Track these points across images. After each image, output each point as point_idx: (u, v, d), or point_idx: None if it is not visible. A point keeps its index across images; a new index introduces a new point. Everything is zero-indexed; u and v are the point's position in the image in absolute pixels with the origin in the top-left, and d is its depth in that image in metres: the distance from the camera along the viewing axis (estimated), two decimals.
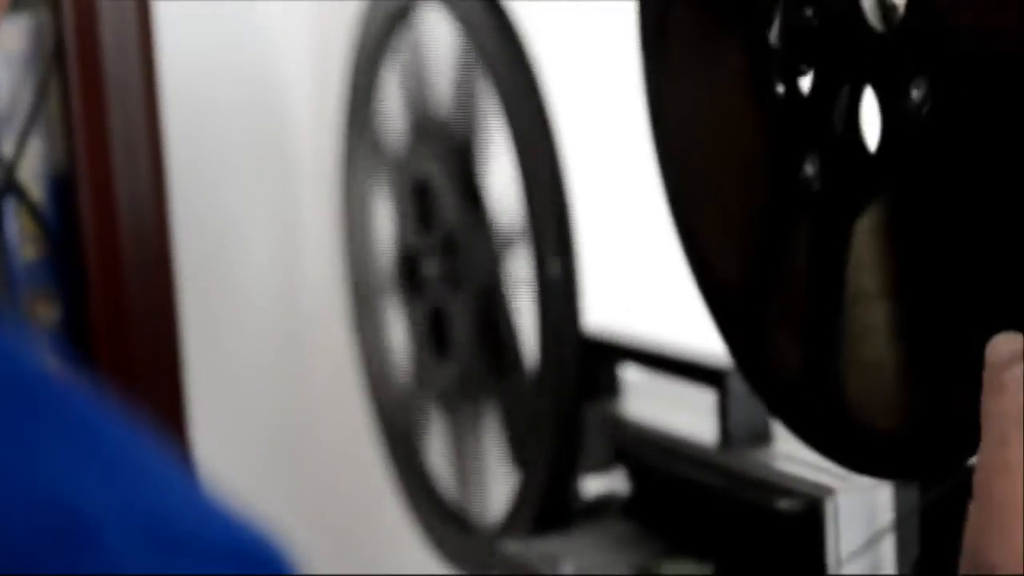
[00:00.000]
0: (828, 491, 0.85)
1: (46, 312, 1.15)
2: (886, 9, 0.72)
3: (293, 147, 1.51)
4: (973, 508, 0.60)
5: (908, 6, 0.70)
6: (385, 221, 1.31)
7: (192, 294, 1.33)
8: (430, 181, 1.16)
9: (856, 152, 0.75)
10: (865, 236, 0.74)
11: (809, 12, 0.76)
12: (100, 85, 1.10)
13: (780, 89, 0.78)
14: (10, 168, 1.11)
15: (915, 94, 0.70)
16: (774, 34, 0.77)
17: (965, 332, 0.67)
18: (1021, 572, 0.57)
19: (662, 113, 0.89)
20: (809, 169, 0.76)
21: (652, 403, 1.07)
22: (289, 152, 1.51)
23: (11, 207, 1.12)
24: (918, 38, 0.69)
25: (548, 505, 1.08)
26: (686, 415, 1.02)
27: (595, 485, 1.01)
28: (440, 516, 1.27)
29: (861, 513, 0.85)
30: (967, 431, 0.65)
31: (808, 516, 0.85)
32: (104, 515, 0.39)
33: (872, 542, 0.83)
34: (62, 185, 1.14)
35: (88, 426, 0.42)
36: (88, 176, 1.10)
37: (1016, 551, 0.57)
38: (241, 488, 1.45)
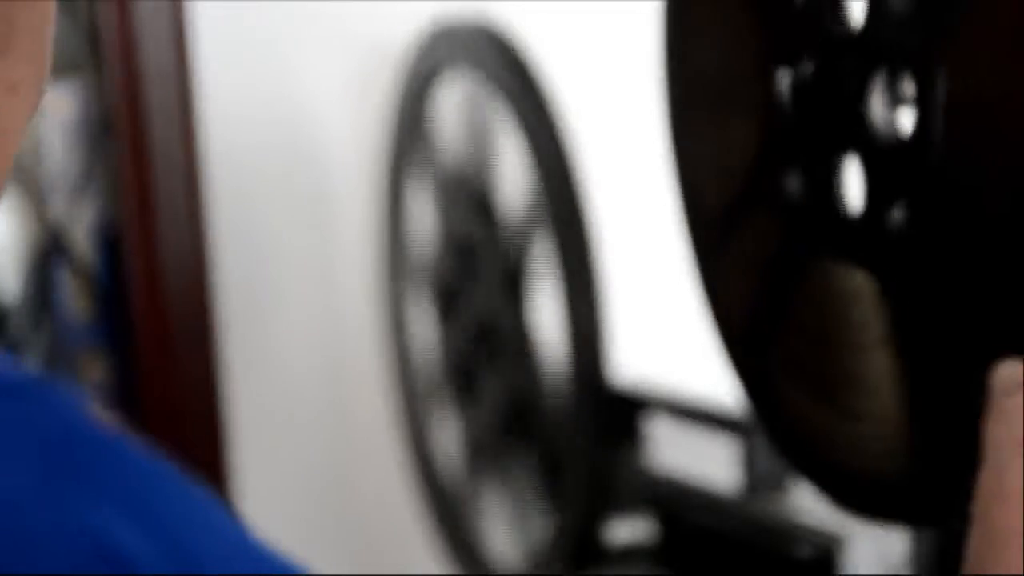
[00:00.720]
0: (843, 537, 0.87)
1: (95, 369, 1.20)
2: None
3: (333, 207, 1.53)
4: (972, 535, 0.60)
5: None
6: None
7: (236, 350, 1.36)
8: (477, 245, 1.21)
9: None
10: (863, 289, 0.76)
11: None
12: (145, 148, 1.15)
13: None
14: (61, 230, 1.16)
15: None
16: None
17: (964, 376, 0.68)
18: None
19: (686, 163, 0.92)
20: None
21: (679, 452, 1.10)
22: (329, 211, 1.54)
23: (62, 268, 1.17)
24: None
25: (580, 553, 1.11)
26: (711, 464, 1.05)
27: (623, 532, 1.04)
28: (476, 565, 1.30)
29: (876, 558, 0.87)
30: (971, 474, 0.66)
31: (823, 562, 0.88)
32: (141, 555, 0.41)
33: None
34: (111, 246, 1.19)
35: (132, 473, 0.45)
36: (134, 236, 1.15)
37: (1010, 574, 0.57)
38: (283, 537, 1.48)
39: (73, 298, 1.19)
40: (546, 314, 1.14)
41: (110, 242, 1.19)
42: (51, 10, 0.56)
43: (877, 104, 0.74)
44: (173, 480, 0.46)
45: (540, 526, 1.18)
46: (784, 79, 0.79)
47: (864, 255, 0.77)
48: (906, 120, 0.72)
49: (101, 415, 0.48)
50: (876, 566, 0.87)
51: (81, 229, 1.18)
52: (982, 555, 0.59)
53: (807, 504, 0.93)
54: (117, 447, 0.46)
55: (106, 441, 0.46)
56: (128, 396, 1.21)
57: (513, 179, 1.15)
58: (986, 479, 0.60)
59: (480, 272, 1.20)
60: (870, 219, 0.75)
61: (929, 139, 0.71)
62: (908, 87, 0.72)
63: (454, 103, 1.25)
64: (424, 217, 1.32)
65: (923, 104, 0.71)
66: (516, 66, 1.13)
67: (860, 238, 0.76)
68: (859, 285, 0.77)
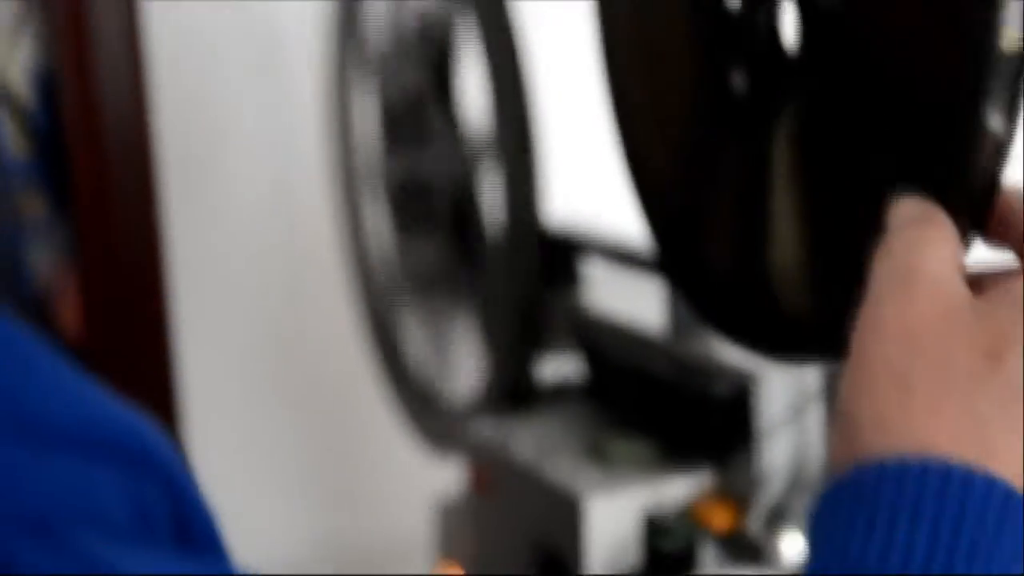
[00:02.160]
0: (759, 375, 0.91)
1: (34, 207, 1.21)
2: None
3: (284, 47, 1.52)
4: (847, 367, 0.60)
5: None
6: (372, 123, 1.35)
7: (178, 184, 1.37)
8: (412, 86, 1.22)
9: (777, 58, 0.79)
10: (784, 143, 0.78)
11: None
12: None
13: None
14: None
15: None
16: None
17: (865, 214, 0.69)
18: (882, 431, 0.57)
19: (610, 27, 0.93)
20: (736, 79, 0.80)
21: (610, 294, 1.13)
22: (281, 52, 1.53)
23: (2, 111, 1.18)
24: None
25: (511, 388, 1.14)
26: (640, 306, 1.07)
27: (553, 369, 1.06)
28: (414, 399, 1.33)
29: (790, 393, 0.91)
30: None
31: (739, 398, 0.91)
32: None
33: (795, 413, 0.89)
34: (48, 86, 1.19)
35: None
36: (71, 75, 1.15)
37: (880, 409, 0.58)
38: (228, 373, 1.52)
39: (11, 138, 1.20)
40: (488, 162, 1.15)
41: (48, 82, 1.20)
42: None
43: None
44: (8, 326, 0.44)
45: (481, 366, 1.21)
46: None
47: (772, 90, 0.78)
48: None
49: None
50: (790, 400, 0.90)
51: (17, 70, 1.18)
52: (853, 385, 0.60)
53: (727, 344, 0.96)
54: None
55: None
56: (69, 233, 1.22)
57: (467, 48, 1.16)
58: (864, 311, 0.61)
59: (424, 131, 1.22)
60: (778, 50, 0.77)
61: None
62: None
63: None
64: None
65: None
66: None
67: (768, 69, 0.78)
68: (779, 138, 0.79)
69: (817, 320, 0.79)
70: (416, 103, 1.23)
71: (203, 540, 0.45)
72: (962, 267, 0.64)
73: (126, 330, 1.24)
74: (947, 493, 0.56)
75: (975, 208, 0.66)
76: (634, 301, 1.09)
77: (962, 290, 0.62)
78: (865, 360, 0.59)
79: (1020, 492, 0.56)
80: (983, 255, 0.67)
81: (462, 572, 1.13)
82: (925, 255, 0.62)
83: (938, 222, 0.64)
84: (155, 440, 0.44)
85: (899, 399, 0.58)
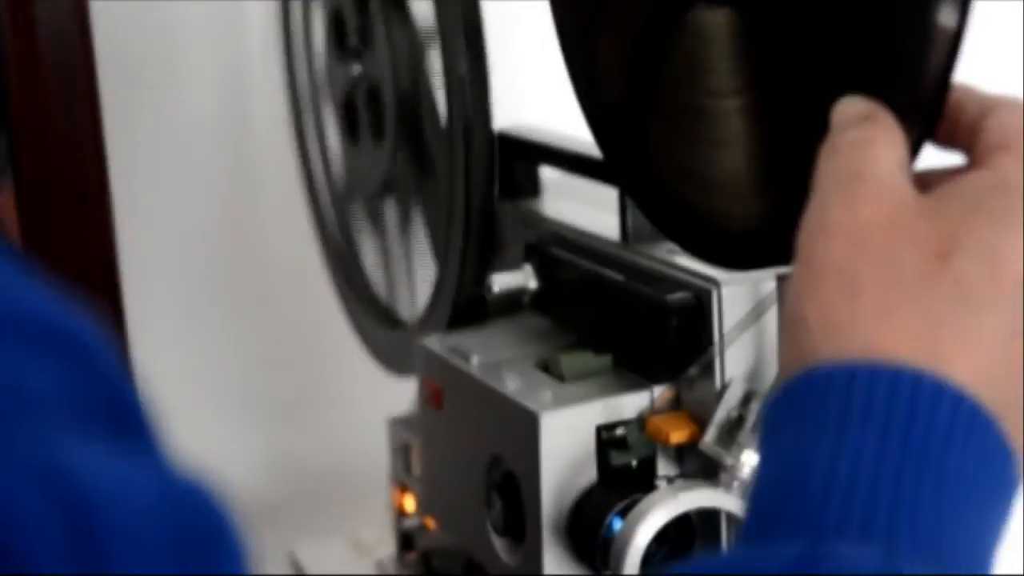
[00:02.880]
0: (717, 280, 0.89)
1: None
2: None
3: None
4: (793, 270, 0.61)
5: None
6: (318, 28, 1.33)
7: (120, 90, 1.35)
8: None
9: None
10: (721, 35, 0.77)
11: None
12: None
13: None
14: None
15: None
16: None
17: (814, 119, 0.68)
18: (831, 335, 0.58)
19: None
20: None
21: (566, 202, 1.11)
22: None
23: None
24: None
25: (463, 300, 1.12)
26: (597, 213, 1.06)
27: (505, 280, 1.05)
28: (369, 313, 1.32)
29: (746, 302, 0.89)
30: None
31: (697, 304, 0.90)
32: None
33: (752, 319, 0.88)
34: None
35: None
36: None
37: (828, 312, 0.58)
38: (174, 284, 1.51)
39: None
40: (437, 71, 1.13)
41: None
42: None
43: None
44: None
45: (433, 278, 1.19)
46: None
47: None
48: None
49: None
50: (747, 307, 0.89)
51: None
52: (800, 289, 0.60)
53: (683, 253, 0.94)
54: None
55: None
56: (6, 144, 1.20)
57: None
58: (809, 213, 0.61)
59: (375, 37, 1.19)
60: None
61: None
62: None
63: None
64: None
65: None
66: None
67: None
68: (721, 25, 0.78)
69: (768, 226, 0.78)
70: (360, 4, 1.20)
71: (140, 430, 0.44)
72: (909, 166, 0.64)
73: (67, 240, 1.22)
74: (897, 397, 0.56)
75: (926, 109, 0.66)
76: (589, 210, 1.07)
77: (909, 189, 0.61)
78: (811, 263, 0.59)
79: (971, 395, 0.56)
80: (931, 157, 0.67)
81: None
82: (870, 155, 0.62)
83: (883, 121, 0.64)
84: (90, 330, 0.43)
85: (847, 302, 0.58)
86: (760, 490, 0.58)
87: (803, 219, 0.61)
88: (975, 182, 0.60)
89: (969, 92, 0.65)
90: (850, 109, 0.64)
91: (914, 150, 0.65)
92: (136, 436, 0.44)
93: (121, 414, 0.43)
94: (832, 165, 0.62)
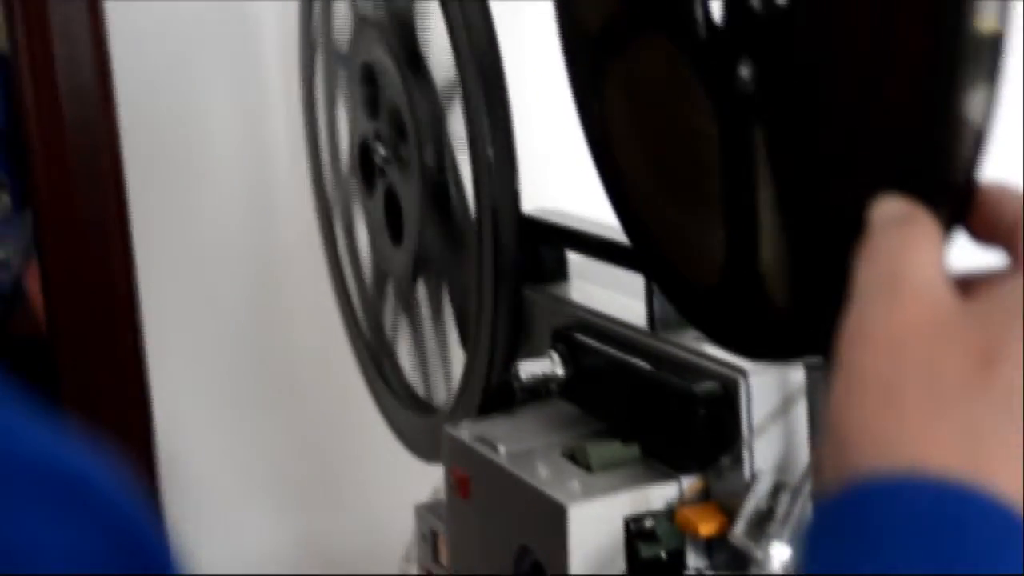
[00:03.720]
0: (745, 370, 0.89)
1: None
2: None
3: (253, 31, 1.52)
4: (833, 377, 0.59)
5: None
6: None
7: (143, 174, 1.36)
8: (375, 65, 1.20)
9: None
10: (763, 139, 0.77)
11: None
12: None
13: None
14: None
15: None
16: None
17: (845, 215, 0.68)
18: (873, 446, 0.56)
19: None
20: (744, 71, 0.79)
21: (594, 286, 1.11)
22: (254, 51, 1.53)
23: None
24: None
25: (491, 388, 1.12)
26: (625, 298, 1.06)
27: (532, 368, 1.05)
28: (398, 400, 1.32)
29: (775, 392, 0.89)
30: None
31: (725, 394, 0.89)
32: None
33: (782, 412, 0.88)
34: (5, 74, 1.18)
35: None
36: (29, 63, 1.14)
37: (869, 422, 0.57)
38: (201, 369, 1.51)
39: None
40: (463, 155, 1.14)
41: (4, 69, 1.18)
42: None
43: None
44: None
45: (459, 364, 1.20)
46: None
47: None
48: None
49: None
50: (776, 397, 0.89)
51: None
52: (840, 398, 0.58)
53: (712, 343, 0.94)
54: None
55: None
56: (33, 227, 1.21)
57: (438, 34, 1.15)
58: (849, 320, 0.60)
59: (384, 89, 1.20)
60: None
61: None
62: None
63: None
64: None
65: None
66: None
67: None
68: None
69: (801, 320, 0.78)
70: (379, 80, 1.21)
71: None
72: (949, 269, 0.63)
73: (92, 324, 1.23)
74: (942, 513, 0.54)
75: (955, 201, 0.65)
76: (616, 296, 1.07)
77: (950, 294, 0.60)
78: (851, 371, 0.58)
79: (1020, 509, 0.54)
80: (973, 257, 0.66)
81: None
82: (909, 258, 0.60)
83: (922, 222, 0.63)
84: (104, 479, 0.42)
85: (888, 411, 0.56)
86: None
87: (842, 325, 0.60)
88: (1017, 286, 0.60)
89: (1007, 190, 0.64)
90: (888, 209, 0.63)
91: (946, 243, 0.64)
92: None
93: (133, 559, 0.43)
94: (871, 270, 0.61)
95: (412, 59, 1.16)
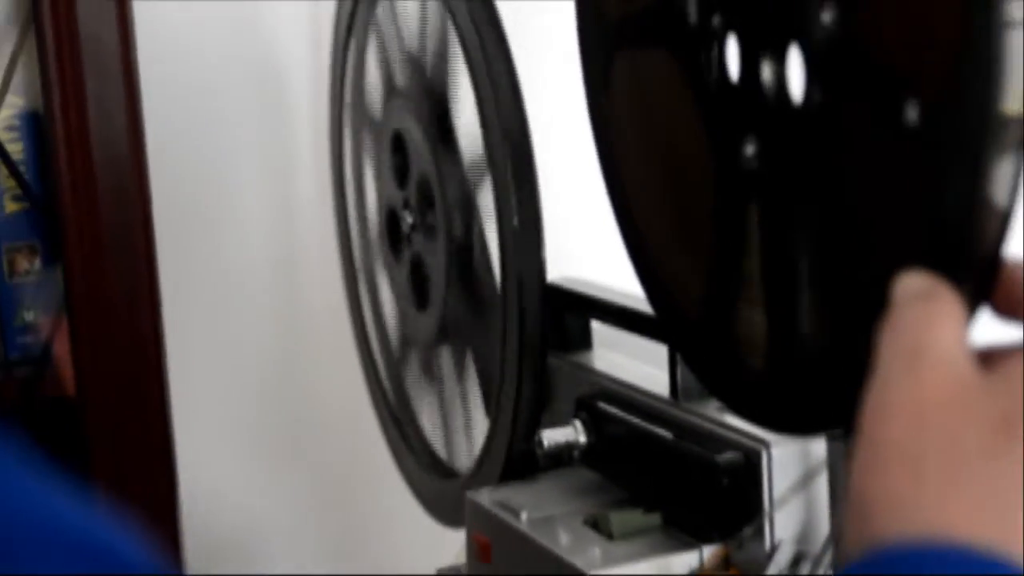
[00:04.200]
0: (768, 441, 0.90)
1: (25, 262, 1.22)
2: None
3: (288, 112, 1.54)
4: (857, 450, 0.60)
5: None
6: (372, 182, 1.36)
7: (173, 235, 1.37)
8: (404, 134, 1.22)
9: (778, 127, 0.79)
10: (792, 215, 0.78)
11: None
12: (73, 35, 1.15)
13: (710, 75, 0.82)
14: None
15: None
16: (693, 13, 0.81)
17: (869, 289, 0.69)
18: (896, 513, 0.57)
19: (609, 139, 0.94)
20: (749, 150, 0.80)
21: (617, 355, 1.12)
22: (284, 117, 1.54)
23: None
24: None
25: (514, 455, 1.13)
26: (648, 368, 1.07)
27: (555, 436, 1.06)
28: (421, 465, 1.33)
29: (796, 463, 0.89)
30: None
31: (747, 464, 0.90)
32: None
33: (804, 483, 0.88)
34: (39, 139, 1.20)
35: None
36: (62, 120, 1.15)
37: (893, 490, 0.57)
38: (226, 426, 1.51)
39: (3, 193, 1.20)
40: (490, 223, 1.16)
41: (37, 132, 1.20)
42: None
43: None
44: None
45: (482, 429, 1.20)
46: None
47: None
48: None
49: None
50: (798, 468, 0.89)
51: (7, 123, 1.19)
52: (864, 469, 0.59)
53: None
54: None
55: None
56: (64, 292, 1.23)
57: (468, 106, 1.16)
58: (872, 393, 0.61)
59: (413, 159, 1.22)
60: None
61: None
62: None
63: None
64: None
65: None
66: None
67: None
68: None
69: (824, 396, 0.78)
70: (408, 148, 1.23)
71: None
72: (971, 344, 0.63)
73: (120, 385, 1.24)
74: None
75: (979, 280, 0.66)
76: (639, 365, 1.08)
77: (970, 367, 0.61)
78: (874, 442, 0.59)
79: None
80: (994, 331, 0.67)
81: None
82: (932, 333, 0.61)
83: (944, 298, 0.64)
84: (136, 552, 0.43)
85: (912, 480, 0.57)
86: None
87: (866, 397, 0.61)
88: None
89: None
90: (911, 285, 0.64)
91: (969, 321, 0.65)
92: None
93: None
94: (893, 344, 0.62)
95: (442, 131, 1.17)
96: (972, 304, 0.66)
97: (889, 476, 0.58)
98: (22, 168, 1.21)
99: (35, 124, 1.20)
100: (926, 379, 0.59)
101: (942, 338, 0.61)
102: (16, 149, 1.20)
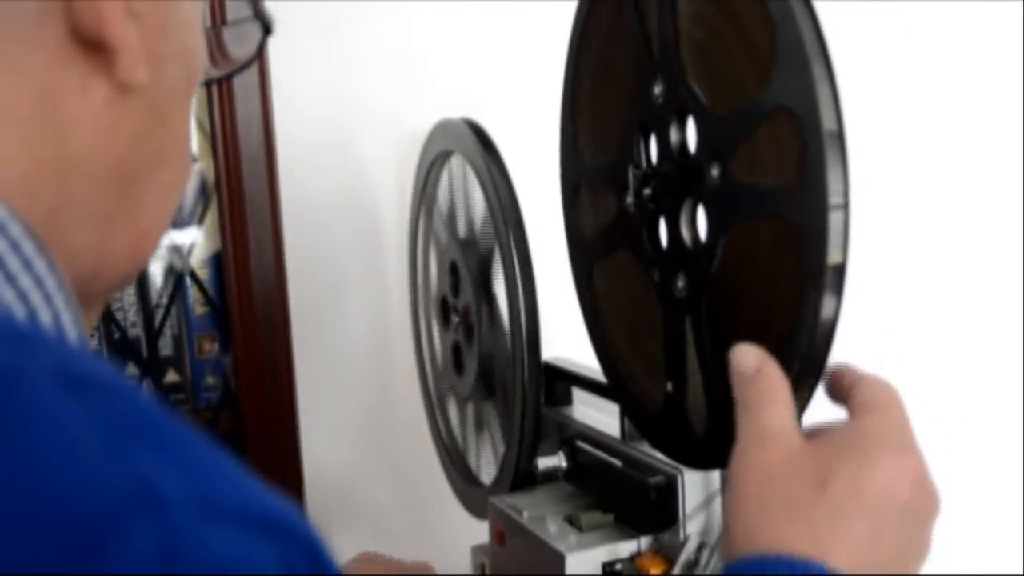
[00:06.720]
0: (680, 471, 0.90)
1: (209, 346, 1.23)
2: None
3: (383, 237, 1.54)
4: (727, 497, 0.62)
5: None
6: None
7: (306, 344, 1.36)
8: (458, 264, 1.23)
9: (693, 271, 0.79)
10: (692, 323, 0.78)
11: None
12: (241, 203, 1.18)
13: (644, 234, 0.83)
14: (186, 259, 1.19)
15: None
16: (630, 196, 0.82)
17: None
18: (750, 539, 0.58)
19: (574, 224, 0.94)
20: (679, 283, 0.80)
21: (589, 410, 1.13)
22: (380, 241, 1.54)
23: (188, 283, 1.21)
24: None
25: (520, 474, 1.13)
26: (607, 419, 1.07)
27: (546, 462, 1.06)
28: (461, 478, 1.33)
29: (702, 485, 0.90)
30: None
31: (668, 486, 0.91)
32: (171, 491, 0.35)
33: (707, 498, 0.89)
34: (219, 268, 1.22)
35: (161, 423, 0.38)
36: (233, 262, 1.17)
37: (748, 524, 0.59)
38: (343, 460, 1.47)
39: (195, 300, 1.22)
40: (503, 311, 1.16)
41: (219, 266, 1.22)
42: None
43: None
44: (187, 425, 0.40)
45: (500, 457, 1.20)
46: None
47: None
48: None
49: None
50: (702, 488, 0.89)
51: (199, 258, 1.21)
52: (732, 507, 0.59)
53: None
54: (170, 422, 0.39)
55: (164, 417, 0.39)
56: (232, 365, 1.23)
57: (483, 219, 1.17)
58: (736, 456, 0.61)
59: (462, 283, 1.23)
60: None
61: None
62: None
63: (448, 173, 1.27)
64: (432, 250, 1.34)
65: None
66: (485, 147, 1.14)
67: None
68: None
69: (712, 440, 0.79)
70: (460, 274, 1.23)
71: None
72: (799, 418, 0.63)
73: (265, 435, 1.24)
74: (794, 573, 0.55)
75: (807, 368, 0.66)
76: (602, 417, 1.08)
77: (798, 436, 0.62)
78: (738, 491, 0.61)
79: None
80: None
81: None
82: (772, 413, 0.62)
83: (774, 375, 0.64)
84: (301, 521, 0.39)
85: (760, 517, 0.59)
86: None
87: (733, 458, 0.62)
88: (845, 433, 0.61)
89: (848, 367, 0.65)
90: (745, 356, 0.63)
91: (802, 406, 0.65)
92: None
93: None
94: (746, 421, 0.62)
95: (484, 283, 1.17)
96: (803, 385, 0.66)
97: (747, 514, 0.59)
98: (208, 287, 1.23)
99: (217, 261, 1.23)
100: (769, 449, 0.60)
101: (779, 417, 0.62)
102: (204, 275, 1.22)
